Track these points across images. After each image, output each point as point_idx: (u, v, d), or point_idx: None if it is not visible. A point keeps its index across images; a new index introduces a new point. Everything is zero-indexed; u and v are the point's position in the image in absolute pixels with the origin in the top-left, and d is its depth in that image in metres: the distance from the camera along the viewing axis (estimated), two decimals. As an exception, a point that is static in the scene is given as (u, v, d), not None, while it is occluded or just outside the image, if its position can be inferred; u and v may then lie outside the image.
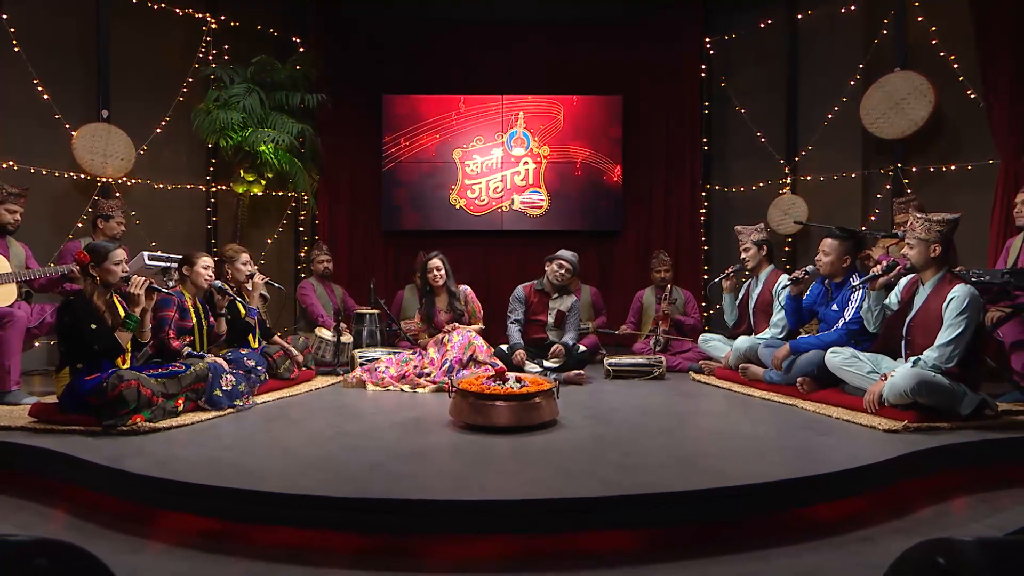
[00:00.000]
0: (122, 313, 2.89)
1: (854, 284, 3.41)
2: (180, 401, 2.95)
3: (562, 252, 4.61)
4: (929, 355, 2.81)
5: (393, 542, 1.89)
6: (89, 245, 2.89)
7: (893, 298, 3.20)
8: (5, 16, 4.46)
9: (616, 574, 1.75)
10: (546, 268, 4.61)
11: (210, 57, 5.72)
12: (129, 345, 2.94)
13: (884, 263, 3.17)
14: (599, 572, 1.76)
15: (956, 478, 2.50)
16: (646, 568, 1.78)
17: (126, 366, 2.93)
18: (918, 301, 3.02)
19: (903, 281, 3.17)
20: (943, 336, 2.79)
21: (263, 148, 5.33)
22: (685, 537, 1.94)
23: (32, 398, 3.27)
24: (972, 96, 4.74)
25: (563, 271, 4.54)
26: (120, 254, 2.88)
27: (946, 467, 2.50)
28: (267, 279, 4.16)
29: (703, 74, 6.30)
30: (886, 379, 2.89)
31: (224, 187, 5.84)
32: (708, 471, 2.18)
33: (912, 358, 2.88)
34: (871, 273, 3.19)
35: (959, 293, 2.80)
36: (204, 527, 1.99)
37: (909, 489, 2.36)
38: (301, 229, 6.45)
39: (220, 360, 3.32)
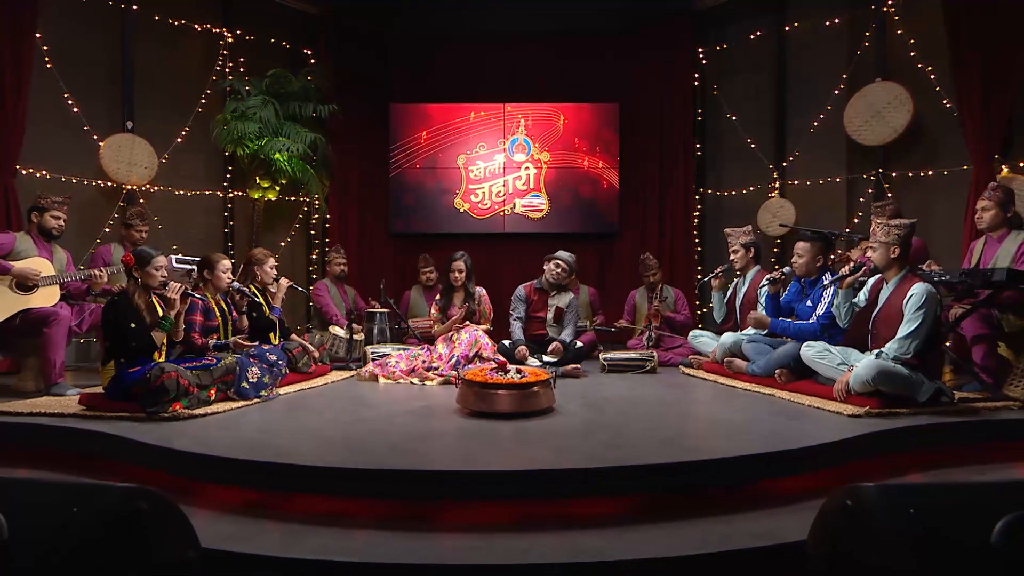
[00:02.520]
0: (160, 312, 3.21)
1: (825, 283, 3.70)
2: (212, 391, 3.25)
3: (560, 253, 4.90)
4: (890, 347, 3.09)
5: (409, 508, 2.17)
6: (136, 251, 3.25)
7: (862, 297, 3.48)
8: (39, 35, 4.76)
9: (601, 534, 2.03)
10: (544, 267, 4.90)
11: (227, 70, 6.03)
12: (164, 342, 3.26)
13: (851, 264, 3.46)
14: (586, 532, 2.04)
15: (912, 457, 2.77)
16: (626, 529, 2.06)
17: (162, 359, 3.24)
18: (882, 298, 3.30)
19: (871, 281, 3.46)
20: (903, 329, 3.07)
21: (278, 156, 5.64)
22: (661, 504, 2.21)
23: (76, 389, 3.57)
24: (948, 105, 5.01)
25: (560, 270, 4.83)
26: (161, 260, 3.22)
27: (902, 447, 2.77)
28: (291, 283, 4.47)
29: (696, 83, 6.57)
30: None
31: (240, 193, 6.16)
32: (685, 448, 2.48)
33: (875, 350, 3.17)
34: (840, 273, 3.48)
35: (917, 290, 3.07)
36: (245, 497, 2.28)
37: (869, 466, 2.63)
38: (313, 232, 6.75)
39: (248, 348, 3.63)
